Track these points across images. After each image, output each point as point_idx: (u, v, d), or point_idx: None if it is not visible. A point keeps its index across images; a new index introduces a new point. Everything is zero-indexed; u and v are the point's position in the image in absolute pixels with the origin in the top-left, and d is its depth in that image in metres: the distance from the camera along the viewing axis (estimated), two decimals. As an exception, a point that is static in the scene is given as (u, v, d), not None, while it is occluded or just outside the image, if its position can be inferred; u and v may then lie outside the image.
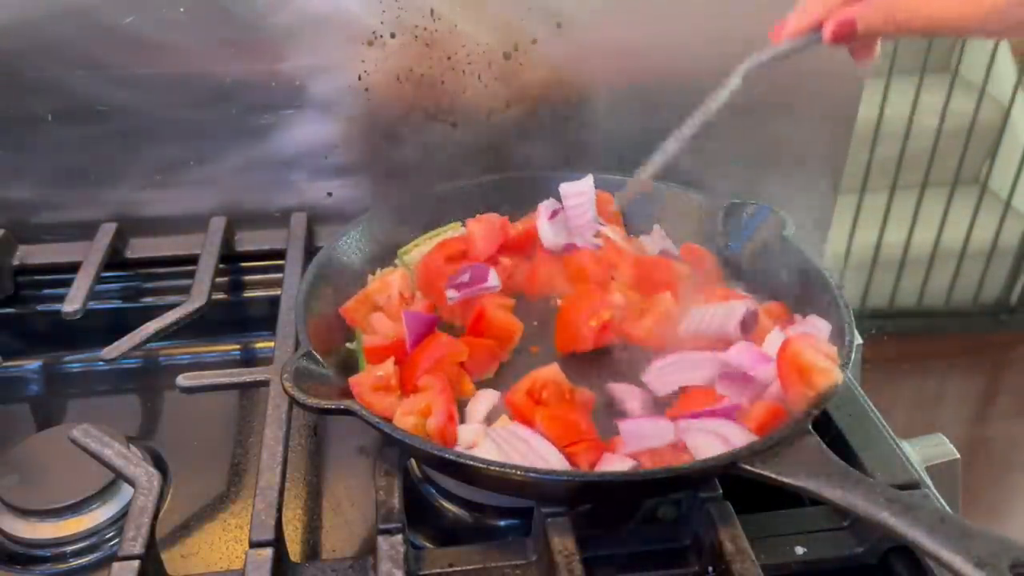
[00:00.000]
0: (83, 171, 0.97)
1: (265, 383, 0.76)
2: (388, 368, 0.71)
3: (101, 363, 0.81)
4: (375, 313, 0.80)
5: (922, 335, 2.69)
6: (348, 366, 0.76)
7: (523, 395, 0.71)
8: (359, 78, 0.96)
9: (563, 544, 0.61)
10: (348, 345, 0.79)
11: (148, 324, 0.83)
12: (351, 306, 0.80)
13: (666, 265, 0.85)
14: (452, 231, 0.90)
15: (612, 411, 0.74)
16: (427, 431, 0.67)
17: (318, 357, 0.70)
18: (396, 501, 0.65)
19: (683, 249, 0.89)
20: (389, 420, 0.67)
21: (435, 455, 0.63)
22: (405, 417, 0.68)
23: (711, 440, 0.65)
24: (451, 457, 0.63)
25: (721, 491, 0.66)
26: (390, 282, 0.81)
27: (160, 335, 0.84)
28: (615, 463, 0.66)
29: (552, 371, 0.73)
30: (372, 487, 0.67)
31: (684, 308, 0.79)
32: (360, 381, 0.70)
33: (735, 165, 1.04)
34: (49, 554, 0.72)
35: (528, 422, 0.68)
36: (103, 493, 0.73)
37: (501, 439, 0.66)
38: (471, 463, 0.62)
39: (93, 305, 0.89)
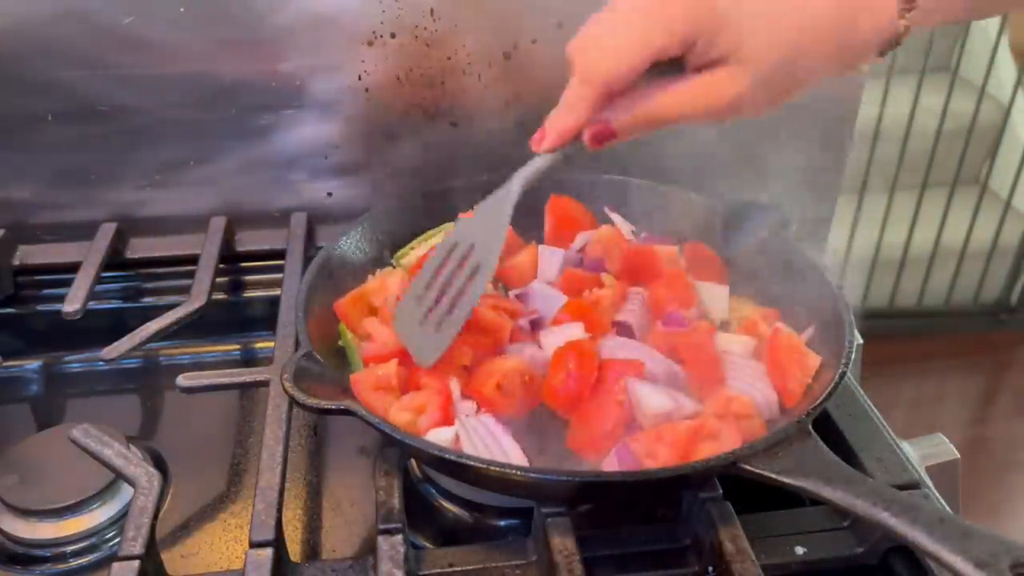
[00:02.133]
0: (83, 171, 0.97)
1: (265, 383, 0.76)
2: (390, 368, 0.71)
3: (101, 363, 0.81)
4: (370, 318, 0.79)
5: (922, 335, 2.69)
6: (348, 364, 0.77)
7: (493, 388, 0.70)
8: (359, 78, 0.96)
9: (563, 544, 0.61)
10: (339, 343, 0.79)
11: (148, 324, 0.83)
12: (345, 302, 0.80)
13: (650, 254, 0.86)
14: (445, 232, 0.90)
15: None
16: (418, 429, 0.67)
17: (318, 357, 0.70)
18: (396, 501, 0.65)
19: (687, 249, 0.89)
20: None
21: (435, 455, 0.63)
22: (400, 413, 0.68)
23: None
24: (451, 457, 0.63)
25: (721, 491, 0.66)
26: (388, 284, 0.81)
27: (160, 335, 0.84)
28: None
29: (514, 361, 0.72)
30: (372, 487, 0.67)
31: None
32: (361, 379, 0.70)
33: (735, 165, 1.04)
34: (49, 554, 0.72)
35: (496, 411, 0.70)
36: (103, 493, 0.73)
37: (470, 427, 0.67)
38: (471, 463, 0.62)
39: (93, 305, 0.88)
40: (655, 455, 0.65)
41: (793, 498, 0.64)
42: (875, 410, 0.79)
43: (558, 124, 0.68)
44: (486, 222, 0.72)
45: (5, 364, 0.94)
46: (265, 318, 0.93)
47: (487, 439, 0.66)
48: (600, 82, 0.64)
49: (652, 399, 0.68)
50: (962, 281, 2.63)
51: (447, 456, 0.63)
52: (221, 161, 0.98)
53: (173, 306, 0.87)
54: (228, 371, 0.80)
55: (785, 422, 0.66)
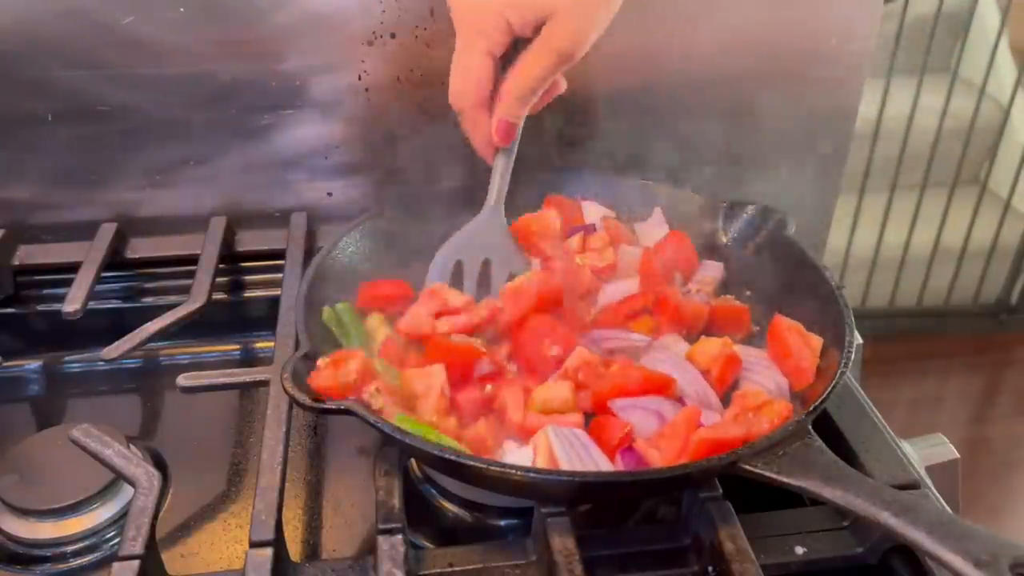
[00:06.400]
0: (83, 171, 0.97)
1: (265, 383, 0.76)
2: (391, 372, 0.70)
3: (101, 363, 0.81)
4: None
5: (922, 335, 2.69)
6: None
7: (537, 415, 0.70)
8: (359, 78, 0.96)
9: (563, 544, 0.61)
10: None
11: (148, 324, 0.83)
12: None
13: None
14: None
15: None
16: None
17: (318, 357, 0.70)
18: (396, 501, 0.65)
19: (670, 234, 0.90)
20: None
21: (435, 455, 0.63)
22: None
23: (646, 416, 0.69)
24: (451, 457, 0.63)
25: (721, 491, 0.66)
26: (431, 372, 0.73)
27: (160, 335, 0.84)
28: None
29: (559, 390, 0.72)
30: (372, 487, 0.67)
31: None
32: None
33: (736, 165, 1.04)
34: (49, 554, 0.72)
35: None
36: (103, 493, 0.73)
37: (564, 439, 0.66)
38: (471, 463, 0.62)
39: (93, 305, 0.88)
40: (658, 446, 0.66)
41: (793, 498, 0.65)
42: (875, 410, 0.79)
43: (476, 145, 0.81)
44: (487, 239, 0.84)
45: (5, 364, 0.94)
46: (265, 318, 0.93)
47: (580, 451, 0.66)
48: (469, 106, 0.77)
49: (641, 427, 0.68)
50: (962, 281, 2.64)
51: (447, 456, 0.63)
52: (221, 161, 0.98)
53: (173, 306, 0.87)
54: (228, 371, 0.80)
55: (800, 406, 0.66)
